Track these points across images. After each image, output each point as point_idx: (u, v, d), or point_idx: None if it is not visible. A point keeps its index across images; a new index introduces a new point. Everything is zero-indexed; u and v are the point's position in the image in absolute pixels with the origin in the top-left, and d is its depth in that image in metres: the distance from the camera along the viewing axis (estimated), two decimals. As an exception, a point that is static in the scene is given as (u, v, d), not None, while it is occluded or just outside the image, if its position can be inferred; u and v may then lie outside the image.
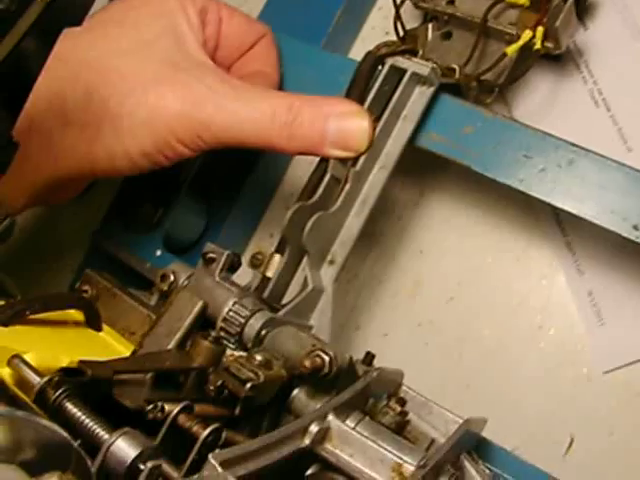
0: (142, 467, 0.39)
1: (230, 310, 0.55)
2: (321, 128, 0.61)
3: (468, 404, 0.73)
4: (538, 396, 0.72)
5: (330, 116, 0.62)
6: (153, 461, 0.39)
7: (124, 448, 0.39)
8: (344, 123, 0.62)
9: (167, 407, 0.45)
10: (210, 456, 0.39)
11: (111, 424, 0.42)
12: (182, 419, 0.44)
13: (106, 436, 0.40)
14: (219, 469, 0.39)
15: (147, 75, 0.63)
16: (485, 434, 0.61)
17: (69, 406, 0.41)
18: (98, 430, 0.40)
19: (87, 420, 0.40)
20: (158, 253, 0.77)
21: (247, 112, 0.61)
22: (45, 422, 0.32)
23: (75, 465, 0.34)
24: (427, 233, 0.79)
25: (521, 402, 0.73)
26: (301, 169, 0.84)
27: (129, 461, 0.38)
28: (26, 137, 0.53)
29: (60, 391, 0.41)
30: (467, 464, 0.54)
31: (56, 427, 0.33)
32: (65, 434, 0.33)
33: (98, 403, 0.44)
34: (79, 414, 0.41)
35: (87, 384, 0.43)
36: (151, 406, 0.45)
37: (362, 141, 0.62)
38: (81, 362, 0.44)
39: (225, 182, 0.82)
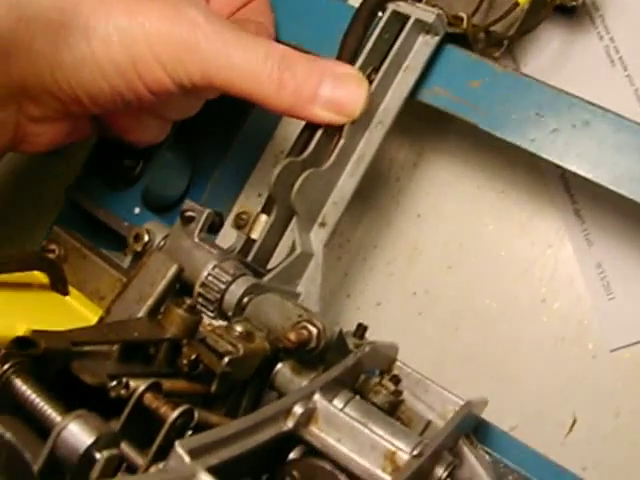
0: (98, 456, 0.34)
1: (209, 274, 0.50)
2: (315, 84, 0.57)
3: (465, 379, 0.69)
4: (540, 373, 0.69)
5: (326, 74, 0.57)
6: (110, 450, 0.34)
7: (77, 433, 0.34)
8: (340, 85, 0.57)
9: (132, 383, 0.40)
10: (176, 444, 0.34)
11: (67, 405, 0.37)
12: (148, 399, 0.39)
13: (58, 419, 0.35)
14: (187, 459, 0.34)
15: None
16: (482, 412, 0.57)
17: (18, 383, 0.36)
18: (49, 412, 0.35)
19: (37, 400, 0.35)
20: (137, 211, 0.71)
21: (239, 49, 0.56)
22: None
23: (8, 461, 0.29)
24: (426, 196, 0.74)
25: (521, 379, 0.69)
26: (293, 124, 0.79)
27: (82, 449, 0.33)
28: None
29: (7, 365, 0.36)
30: (466, 450, 0.50)
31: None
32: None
33: (54, 379, 0.39)
34: (28, 393, 0.36)
35: (41, 357, 0.38)
36: (114, 382, 0.40)
37: (356, 108, 0.58)
38: (34, 332, 0.39)
39: (212, 136, 0.77)
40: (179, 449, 0.34)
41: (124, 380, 0.40)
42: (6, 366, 0.36)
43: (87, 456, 0.34)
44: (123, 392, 0.39)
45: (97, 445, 0.34)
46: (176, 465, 0.34)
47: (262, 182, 0.80)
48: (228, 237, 0.63)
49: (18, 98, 0.58)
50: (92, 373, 0.41)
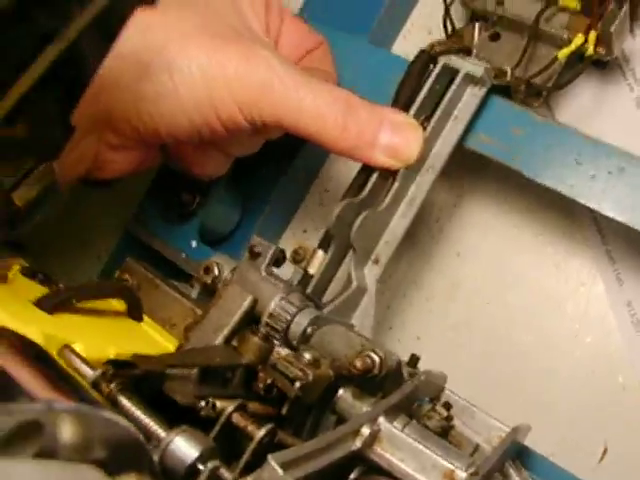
0: (202, 468, 0.38)
1: (277, 306, 0.54)
2: (376, 130, 0.61)
3: (501, 409, 0.72)
4: (572, 403, 0.72)
5: (385, 121, 0.61)
6: (212, 462, 0.38)
7: (183, 447, 0.38)
8: (398, 132, 0.62)
9: (218, 404, 0.44)
10: (270, 457, 0.38)
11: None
12: (237, 418, 0.43)
13: (163, 434, 0.39)
14: (280, 471, 0.38)
15: (211, 30, 0.61)
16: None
17: (123, 400, 0.40)
18: (155, 427, 0.39)
19: (143, 416, 0.39)
20: (193, 244, 0.76)
21: (309, 93, 0.60)
22: (120, 420, 0.31)
23: (147, 465, 0.33)
24: (465, 236, 0.78)
25: (554, 409, 0.73)
26: (337, 164, 0.84)
27: (190, 461, 0.37)
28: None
29: (114, 385, 0.40)
30: (512, 472, 0.53)
31: (131, 426, 0.32)
32: (138, 433, 0.32)
33: (148, 398, 0.43)
34: (134, 409, 0.40)
35: (139, 378, 0.42)
36: (203, 403, 0.44)
37: (412, 154, 0.62)
38: (134, 356, 0.43)
39: (261, 174, 0.81)
40: (272, 462, 0.38)
41: (211, 401, 0.44)
42: (112, 385, 0.40)
43: (193, 468, 0.38)
44: (211, 412, 0.44)
45: (201, 458, 0.38)
46: (269, 477, 0.38)
47: (307, 218, 0.84)
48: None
49: (101, 127, 0.62)
50: (180, 394, 0.45)
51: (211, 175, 0.72)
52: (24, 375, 0.33)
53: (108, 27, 0.41)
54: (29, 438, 0.28)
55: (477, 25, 0.73)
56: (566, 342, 0.73)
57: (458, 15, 0.77)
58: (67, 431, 0.28)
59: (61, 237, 0.94)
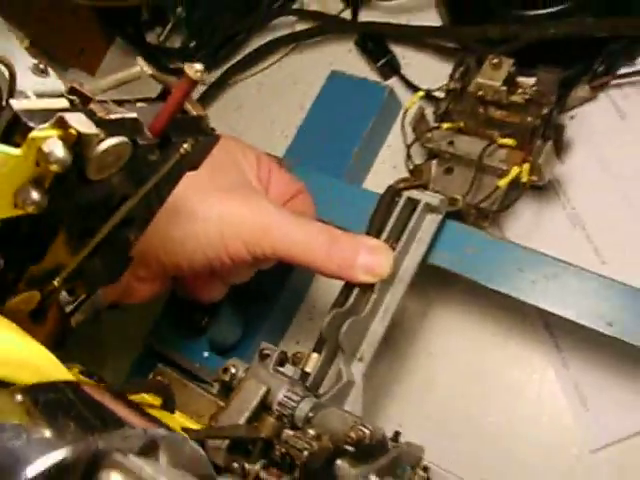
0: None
1: (284, 396, 0.67)
2: (355, 254, 0.75)
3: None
4: (536, 475, 0.83)
5: (362, 246, 0.75)
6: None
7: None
8: (373, 254, 0.75)
9: (247, 465, 0.57)
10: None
11: None
12: (263, 474, 0.56)
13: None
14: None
15: (220, 183, 0.76)
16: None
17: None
18: None
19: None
20: (205, 354, 0.89)
21: (299, 230, 0.75)
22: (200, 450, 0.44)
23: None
24: (434, 338, 0.91)
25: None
26: (321, 286, 0.98)
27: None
28: None
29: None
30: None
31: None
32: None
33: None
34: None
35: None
36: (236, 464, 0.57)
37: (385, 271, 0.75)
38: (183, 429, 0.57)
39: (259, 298, 0.95)
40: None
41: (241, 462, 0.57)
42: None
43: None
44: (242, 472, 0.57)
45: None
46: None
47: (299, 331, 0.97)
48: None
49: (133, 263, 0.76)
50: (217, 459, 0.58)
51: (213, 300, 0.87)
52: (119, 408, 0.45)
53: (162, 189, 0.56)
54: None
55: (434, 162, 0.89)
56: (527, 422, 0.85)
57: (418, 152, 0.93)
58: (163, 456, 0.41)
59: (83, 352, 1.06)
